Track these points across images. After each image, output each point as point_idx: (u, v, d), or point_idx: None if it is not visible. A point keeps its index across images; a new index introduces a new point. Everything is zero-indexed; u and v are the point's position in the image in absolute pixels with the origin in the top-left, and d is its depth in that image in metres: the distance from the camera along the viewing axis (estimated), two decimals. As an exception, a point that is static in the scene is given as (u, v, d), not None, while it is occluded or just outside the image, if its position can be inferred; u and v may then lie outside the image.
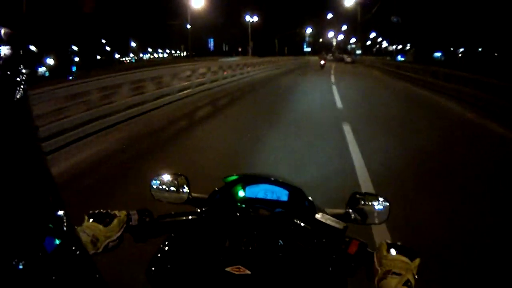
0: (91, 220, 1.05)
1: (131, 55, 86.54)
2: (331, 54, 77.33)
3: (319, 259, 1.05)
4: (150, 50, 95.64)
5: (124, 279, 2.26)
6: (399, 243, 0.99)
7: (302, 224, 1.10)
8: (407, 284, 0.88)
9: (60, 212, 0.49)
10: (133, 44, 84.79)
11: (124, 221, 1.09)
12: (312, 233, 1.08)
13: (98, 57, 61.95)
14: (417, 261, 0.94)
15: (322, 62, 41.63)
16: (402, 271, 0.90)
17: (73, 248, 0.50)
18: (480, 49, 40.85)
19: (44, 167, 0.51)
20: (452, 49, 52.88)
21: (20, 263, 0.42)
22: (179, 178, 1.31)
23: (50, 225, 0.48)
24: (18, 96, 0.47)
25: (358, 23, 72.11)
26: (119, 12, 60.05)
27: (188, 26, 72.45)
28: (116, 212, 1.10)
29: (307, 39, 78.16)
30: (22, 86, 0.48)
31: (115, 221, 1.06)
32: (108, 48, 69.98)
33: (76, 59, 46.49)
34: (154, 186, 1.31)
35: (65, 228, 0.49)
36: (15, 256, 0.42)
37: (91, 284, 0.51)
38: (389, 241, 1.00)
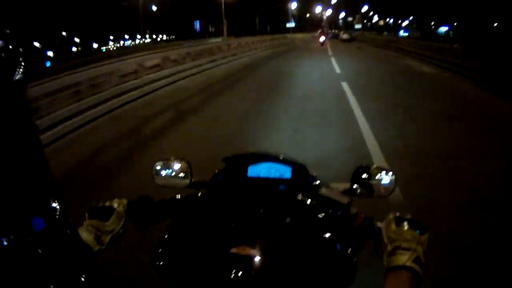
0: (90, 217, 1.02)
1: (110, 43, 78.60)
2: (320, 31, 66.16)
3: (325, 233, 1.01)
4: (127, 36, 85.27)
5: (130, 268, 2.30)
6: (408, 216, 0.96)
7: (307, 200, 1.09)
8: (417, 261, 0.85)
9: (52, 198, 0.51)
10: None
11: (124, 211, 1.08)
12: (316, 207, 1.08)
13: (74, 48, 59.29)
14: (427, 235, 0.91)
15: (322, 38, 36.44)
16: (412, 246, 0.87)
17: (64, 232, 0.52)
18: (496, 24, 33.18)
19: (38, 155, 0.52)
20: (455, 23, 44.49)
21: (5, 240, 0.45)
22: (181, 162, 1.28)
23: (39, 207, 0.49)
24: (16, 80, 0.50)
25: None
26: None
27: (154, 8, 63.41)
28: (116, 203, 1.08)
29: (290, 11, 65.32)
30: (20, 75, 0.51)
31: (115, 213, 1.05)
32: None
33: (50, 53, 45.79)
34: (156, 171, 1.29)
35: (57, 212, 0.51)
36: (1, 232, 0.45)
37: (79, 267, 0.53)
38: (397, 214, 0.97)
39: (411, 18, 60.13)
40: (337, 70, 14.51)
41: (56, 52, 47.98)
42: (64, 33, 55.71)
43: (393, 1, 60.64)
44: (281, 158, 1.23)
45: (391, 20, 71.94)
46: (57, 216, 0.51)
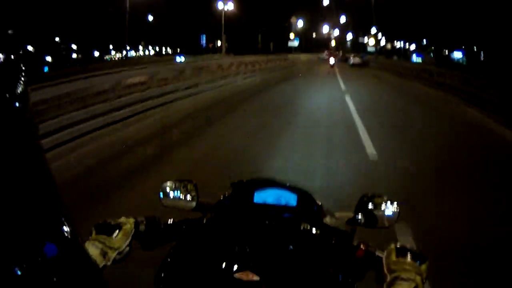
0: (98, 233, 1.02)
1: (112, 52, 75.28)
2: (326, 52, 61.97)
3: (328, 263, 1.05)
4: (128, 47, 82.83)
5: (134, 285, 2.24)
6: (408, 246, 0.98)
7: (311, 229, 1.11)
8: None
9: (63, 222, 0.50)
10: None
11: (131, 230, 1.07)
12: (320, 236, 1.09)
13: (74, 55, 57.60)
14: (426, 265, 0.94)
15: (332, 61, 33.70)
16: (411, 277, 0.89)
17: (76, 256, 0.51)
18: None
19: (45, 173, 0.51)
20: (474, 47, 41.11)
21: (19, 269, 0.43)
22: (188, 184, 1.30)
23: (50, 232, 0.48)
24: (18, 92, 0.48)
25: (372, 8, 57.67)
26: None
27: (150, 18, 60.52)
28: (123, 220, 1.08)
29: (293, 28, 59.34)
30: (22, 85, 0.49)
31: (122, 231, 1.04)
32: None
33: (48, 58, 44.53)
34: (163, 193, 1.31)
35: (68, 235, 0.49)
36: (14, 261, 0.43)
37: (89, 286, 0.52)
38: (398, 245, 0.98)
39: (423, 41, 56.97)
40: (366, 139, 6.85)
41: (55, 57, 46.82)
42: (57, 39, 52.75)
43: (404, 23, 57.54)
44: (287, 185, 1.26)
45: (398, 44, 68.74)
46: (68, 240, 0.49)
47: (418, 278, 0.90)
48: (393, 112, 10.66)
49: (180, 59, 42.45)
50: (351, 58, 42.80)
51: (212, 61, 19.66)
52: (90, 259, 0.55)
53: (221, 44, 42.12)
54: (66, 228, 0.49)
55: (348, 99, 12.68)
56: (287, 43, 57.79)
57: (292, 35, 60.79)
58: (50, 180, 0.51)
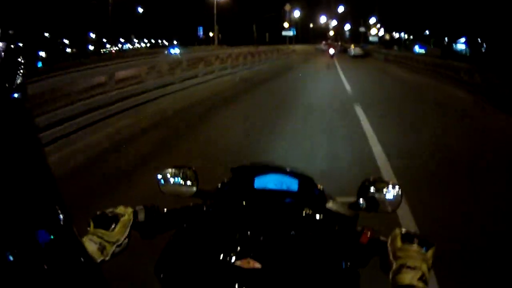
0: (96, 226, 1.01)
1: (107, 45, 72.53)
2: (324, 43, 56.98)
3: (331, 249, 1.02)
4: (123, 40, 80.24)
5: (134, 276, 2.22)
6: (413, 232, 0.96)
7: (313, 214, 1.09)
8: (422, 278, 0.86)
9: (57, 209, 0.50)
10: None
11: (130, 220, 1.06)
12: (323, 222, 1.07)
13: (69, 50, 56.36)
14: (432, 250, 0.91)
15: (332, 51, 30.70)
16: (417, 264, 0.87)
17: (70, 244, 0.51)
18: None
19: (42, 164, 0.52)
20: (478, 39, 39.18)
21: (11, 254, 0.43)
22: (188, 171, 1.28)
23: (44, 219, 0.48)
24: (17, 84, 0.49)
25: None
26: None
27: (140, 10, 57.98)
28: (122, 210, 1.06)
29: (287, 15, 54.73)
30: (21, 77, 0.50)
31: (120, 223, 1.03)
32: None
33: (42, 53, 43.22)
34: (162, 180, 1.29)
35: (62, 223, 0.50)
36: (6, 247, 0.44)
37: (86, 279, 0.52)
38: (403, 230, 0.96)
39: (424, 32, 54.70)
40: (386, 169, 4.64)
41: (49, 52, 45.39)
42: (46, 34, 50.46)
43: (405, 14, 55.26)
44: (288, 170, 1.24)
45: (397, 35, 66.32)
46: (62, 228, 0.50)
47: (424, 266, 0.88)
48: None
49: (174, 50, 40.28)
50: (352, 48, 39.42)
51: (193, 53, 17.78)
52: (84, 248, 0.54)
53: (214, 35, 39.91)
54: (61, 216, 0.49)
55: (359, 111, 8.36)
56: (284, 36, 55.24)
57: (286, 24, 56.59)
58: (46, 168, 0.51)
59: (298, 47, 46.18)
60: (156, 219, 1.14)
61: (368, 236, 1.02)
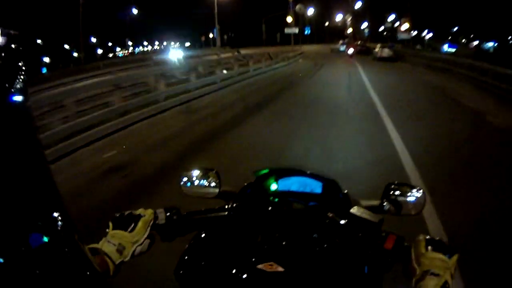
0: (115, 227, 1.00)
1: (117, 49, 71.68)
2: (342, 42, 50.55)
3: (355, 254, 0.99)
4: (130, 43, 77.83)
5: (153, 279, 2.18)
6: (437, 239, 0.96)
7: (337, 218, 1.06)
8: (445, 286, 0.86)
9: (55, 213, 0.50)
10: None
11: (150, 221, 1.04)
12: (347, 227, 1.05)
13: (75, 54, 53.61)
14: (455, 258, 0.91)
15: (351, 51, 30.75)
16: (441, 272, 0.87)
17: (65, 247, 0.50)
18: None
19: (42, 167, 0.52)
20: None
21: (1, 257, 0.44)
22: (210, 172, 1.29)
23: (39, 223, 0.48)
24: (18, 88, 0.49)
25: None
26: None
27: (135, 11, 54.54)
28: (142, 212, 1.05)
29: (291, 6, 44.65)
30: (21, 84, 0.50)
31: (140, 223, 1.01)
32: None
33: (46, 59, 41.45)
34: (184, 181, 1.29)
35: (59, 228, 0.50)
36: None
37: (81, 283, 0.51)
38: (427, 236, 0.96)
39: (451, 30, 49.92)
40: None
41: (53, 57, 43.61)
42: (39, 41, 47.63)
43: (429, 10, 50.67)
44: (311, 173, 1.22)
45: (415, 33, 61.33)
46: (58, 233, 0.49)
47: (447, 273, 0.87)
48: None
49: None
50: (378, 49, 30.46)
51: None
52: (83, 253, 0.53)
53: (214, 36, 35.92)
54: (57, 219, 0.49)
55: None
56: (296, 35, 50.45)
57: (289, 18, 46.29)
58: (45, 171, 0.51)
59: (310, 47, 41.76)
60: (177, 221, 1.10)
61: (393, 241, 0.99)
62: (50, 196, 0.50)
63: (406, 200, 1.17)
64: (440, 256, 0.89)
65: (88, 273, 0.52)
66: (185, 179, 1.29)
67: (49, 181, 0.51)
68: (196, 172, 1.29)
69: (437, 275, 0.86)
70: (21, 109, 0.49)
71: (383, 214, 1.13)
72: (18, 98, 0.48)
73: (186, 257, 0.98)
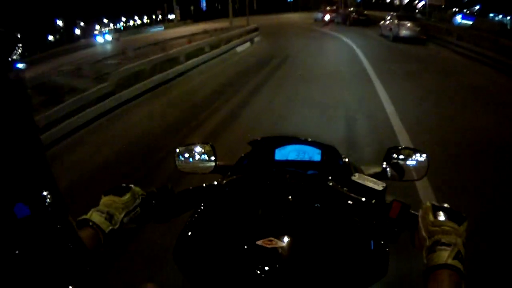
0: (106, 194, 0.99)
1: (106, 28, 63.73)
2: (323, 9, 36.88)
3: (358, 224, 0.95)
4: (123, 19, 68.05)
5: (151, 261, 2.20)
6: (445, 205, 0.90)
7: (338, 186, 1.01)
8: (458, 256, 0.80)
9: (44, 188, 0.51)
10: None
11: (140, 193, 1.03)
12: (349, 195, 0.99)
13: (51, 37, 47.87)
14: (465, 225, 0.86)
15: (327, 17, 27.44)
16: (452, 240, 0.83)
17: (55, 223, 0.51)
18: None
19: (35, 146, 0.52)
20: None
21: None
22: (205, 146, 1.27)
23: (25, 194, 0.49)
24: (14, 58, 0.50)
25: None
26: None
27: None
28: (133, 186, 1.04)
29: None
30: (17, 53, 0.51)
31: (130, 191, 1.01)
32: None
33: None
34: (179, 157, 1.28)
35: (45, 201, 0.50)
36: None
37: (65, 256, 0.52)
38: (434, 203, 0.91)
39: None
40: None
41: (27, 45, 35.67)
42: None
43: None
44: (310, 140, 1.19)
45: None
46: (46, 206, 0.50)
47: (459, 241, 0.82)
48: None
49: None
50: (392, 22, 17.86)
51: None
52: (76, 234, 0.54)
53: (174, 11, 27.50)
54: (45, 194, 0.50)
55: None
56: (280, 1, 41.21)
57: None
58: (35, 144, 0.52)
59: (289, 17, 33.11)
60: (170, 200, 1.03)
61: (398, 209, 0.93)
62: (37, 170, 0.51)
63: (409, 165, 1.15)
64: (450, 223, 0.84)
65: (75, 249, 0.52)
66: (180, 154, 1.27)
67: (36, 153, 0.51)
68: (190, 147, 1.27)
69: (449, 244, 0.81)
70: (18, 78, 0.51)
71: (386, 180, 1.09)
72: (21, 65, 0.50)
73: (183, 239, 0.94)
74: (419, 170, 1.15)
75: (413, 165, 1.14)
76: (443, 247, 0.81)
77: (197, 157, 1.26)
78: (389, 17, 19.02)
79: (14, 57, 0.50)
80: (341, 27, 26.19)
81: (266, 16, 41.32)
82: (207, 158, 1.25)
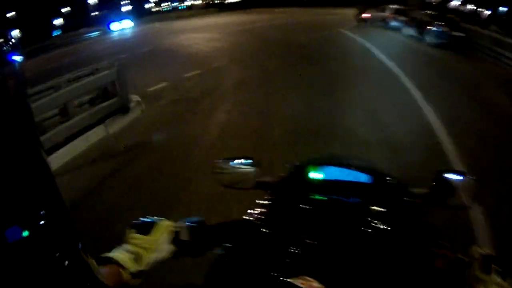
0: (133, 231, 0.96)
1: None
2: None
3: (399, 271, 0.90)
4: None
5: None
6: (493, 254, 0.89)
7: (382, 220, 0.98)
8: None
9: (41, 207, 0.49)
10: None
11: (168, 228, 1.01)
12: (392, 234, 0.96)
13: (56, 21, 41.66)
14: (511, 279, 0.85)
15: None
16: None
17: (47, 243, 0.49)
18: None
19: (39, 164, 0.50)
20: None
21: None
22: (247, 161, 1.23)
23: (20, 217, 0.47)
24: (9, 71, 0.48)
25: None
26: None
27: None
28: (157, 222, 1.01)
29: None
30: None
31: (159, 227, 0.97)
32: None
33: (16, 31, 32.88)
34: (218, 170, 1.24)
35: (42, 223, 0.48)
36: None
37: (61, 279, 0.50)
38: (482, 251, 0.89)
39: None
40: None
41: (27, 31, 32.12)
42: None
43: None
44: (356, 163, 1.16)
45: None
46: (41, 228, 0.48)
47: None
48: None
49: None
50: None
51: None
52: (85, 262, 0.52)
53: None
54: (44, 219, 0.48)
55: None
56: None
57: None
58: (37, 161, 0.49)
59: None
60: (203, 234, 1.02)
61: (445, 261, 0.90)
62: (37, 191, 0.48)
63: (456, 187, 1.12)
64: (497, 279, 0.84)
65: (88, 283, 0.50)
66: (219, 167, 1.23)
67: (40, 171, 0.48)
68: (231, 160, 1.23)
69: None
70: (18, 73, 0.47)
71: (432, 201, 1.09)
72: (17, 57, 0.47)
73: (213, 275, 0.92)
74: (467, 194, 1.11)
75: (461, 189, 1.11)
76: None
77: (237, 171, 1.22)
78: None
79: (5, 48, 0.37)
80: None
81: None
82: (249, 174, 1.21)
